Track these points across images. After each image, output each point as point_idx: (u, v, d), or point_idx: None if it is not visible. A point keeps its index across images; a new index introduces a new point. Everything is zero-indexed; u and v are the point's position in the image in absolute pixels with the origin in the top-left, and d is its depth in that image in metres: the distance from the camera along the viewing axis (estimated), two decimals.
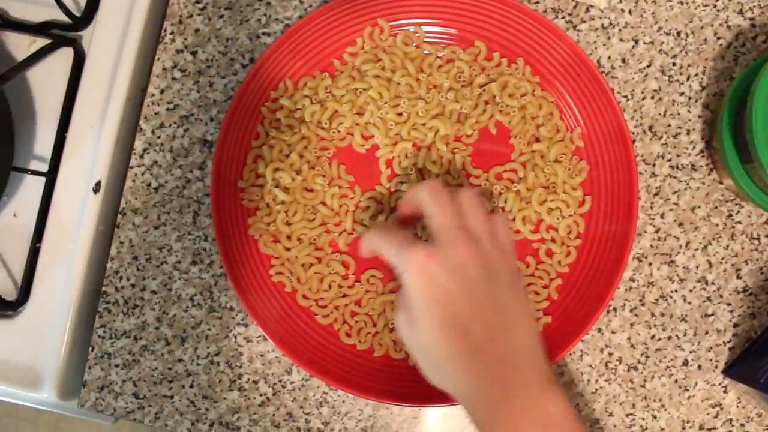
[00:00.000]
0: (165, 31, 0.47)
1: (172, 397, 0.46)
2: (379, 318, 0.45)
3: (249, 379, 0.46)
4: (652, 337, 0.47)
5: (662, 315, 0.47)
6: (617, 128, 0.44)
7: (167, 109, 0.47)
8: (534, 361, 0.36)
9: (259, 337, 0.46)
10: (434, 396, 0.39)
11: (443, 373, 0.36)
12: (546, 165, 0.45)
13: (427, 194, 0.37)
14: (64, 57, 0.48)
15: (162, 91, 0.47)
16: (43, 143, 0.48)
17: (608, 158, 0.45)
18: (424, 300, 0.34)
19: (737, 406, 0.47)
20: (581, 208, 0.45)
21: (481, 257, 0.35)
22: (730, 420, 0.46)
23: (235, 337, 0.46)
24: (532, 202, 0.45)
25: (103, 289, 0.47)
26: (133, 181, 0.47)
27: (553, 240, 0.45)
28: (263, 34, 0.47)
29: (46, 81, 0.48)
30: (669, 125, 0.47)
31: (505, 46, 0.46)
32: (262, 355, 0.46)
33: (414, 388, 0.43)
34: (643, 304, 0.47)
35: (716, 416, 0.47)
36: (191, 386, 0.46)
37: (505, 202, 0.45)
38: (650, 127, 0.47)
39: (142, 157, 0.47)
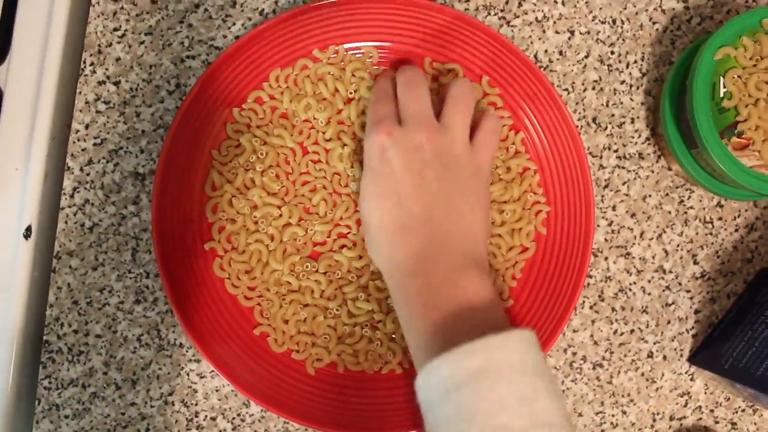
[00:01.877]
0: (84, 62, 0.45)
1: None
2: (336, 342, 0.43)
3: (206, 416, 0.45)
4: (615, 332, 0.46)
5: (623, 309, 0.46)
6: (563, 123, 0.43)
7: (94, 144, 0.45)
8: (467, 247, 0.36)
9: (213, 372, 0.44)
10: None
11: (376, 245, 0.38)
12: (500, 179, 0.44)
13: (402, 83, 0.40)
14: None
15: (87, 126, 0.45)
16: None
17: (557, 156, 0.44)
18: (371, 171, 0.37)
19: (705, 393, 0.46)
20: (538, 215, 0.44)
21: (441, 146, 0.37)
22: (700, 407, 0.46)
23: (188, 374, 0.45)
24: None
25: (45, 337, 0.44)
26: (66, 222, 0.45)
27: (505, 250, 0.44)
28: (188, 57, 0.45)
29: None
30: (613, 115, 0.46)
31: (439, 52, 0.44)
32: (217, 390, 0.45)
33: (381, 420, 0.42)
34: (602, 300, 0.46)
35: (685, 405, 0.46)
36: (147, 430, 0.44)
37: None
38: (594, 119, 0.46)
39: (72, 196, 0.45)
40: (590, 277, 0.46)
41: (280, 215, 0.43)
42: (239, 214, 0.43)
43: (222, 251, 0.43)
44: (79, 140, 0.45)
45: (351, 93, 0.43)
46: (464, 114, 0.39)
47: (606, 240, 0.46)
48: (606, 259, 0.46)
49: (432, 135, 0.37)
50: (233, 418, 0.45)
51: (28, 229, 0.44)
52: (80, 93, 0.45)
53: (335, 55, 0.43)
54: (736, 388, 0.42)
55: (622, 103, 0.47)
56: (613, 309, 0.46)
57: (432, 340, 0.33)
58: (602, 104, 0.46)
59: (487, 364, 0.30)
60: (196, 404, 0.45)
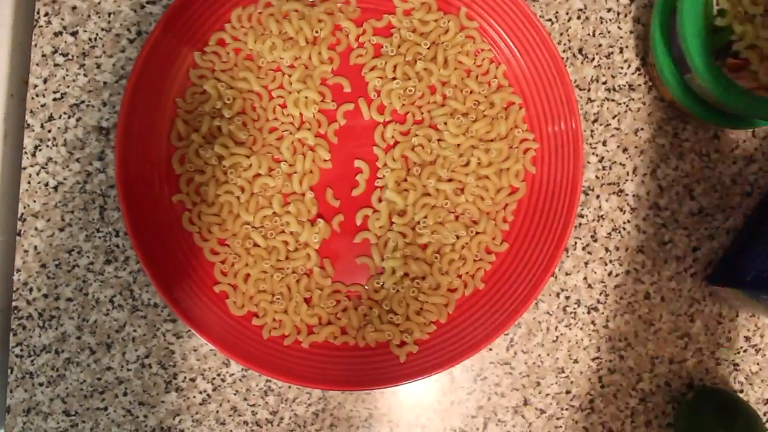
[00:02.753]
0: (38, 12, 0.43)
1: (106, 408, 0.43)
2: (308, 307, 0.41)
3: (185, 378, 0.43)
4: (609, 273, 0.44)
5: (617, 249, 0.44)
6: (547, 55, 0.40)
7: (54, 100, 0.43)
8: None
9: (190, 331, 0.43)
10: (379, 380, 0.37)
11: None
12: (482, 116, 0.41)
13: None
14: None
15: (45, 81, 0.43)
16: None
17: (543, 90, 0.41)
18: None
19: (705, 335, 0.44)
20: (526, 153, 0.42)
21: None
22: (700, 349, 0.44)
23: (164, 335, 0.43)
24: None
25: (14, 304, 0.43)
26: (29, 182, 0.43)
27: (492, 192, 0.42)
28: (148, 2, 0.43)
29: None
30: (600, 45, 0.44)
31: None
32: (195, 350, 0.43)
33: (354, 373, 0.40)
34: (595, 240, 0.44)
35: (685, 347, 0.44)
36: (125, 394, 0.43)
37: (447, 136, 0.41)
38: (580, 50, 0.44)
39: (34, 155, 0.43)
40: (582, 216, 0.44)
41: (250, 165, 0.41)
42: (207, 164, 0.41)
43: (191, 204, 0.41)
44: (37, 96, 0.43)
45: (317, 32, 0.41)
46: None
47: (597, 177, 0.44)
48: (598, 197, 0.44)
49: None
50: (213, 378, 0.43)
51: None
52: (36, 46, 0.43)
53: None
54: (761, 302, 0.39)
55: (609, 32, 0.44)
56: (607, 249, 0.44)
57: None
58: (588, 34, 0.44)
59: None
60: (174, 366, 0.43)
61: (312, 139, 0.41)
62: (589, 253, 0.44)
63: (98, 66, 0.43)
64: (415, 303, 0.41)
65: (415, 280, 0.41)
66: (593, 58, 0.44)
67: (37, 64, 0.43)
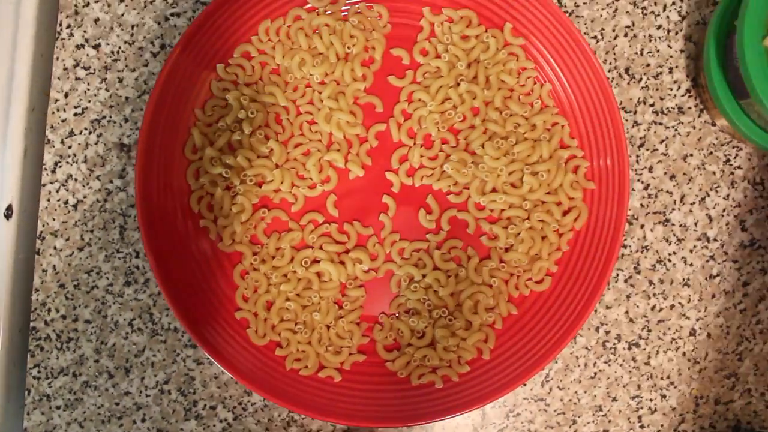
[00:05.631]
0: (61, 24, 0.41)
1: None
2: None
3: (205, 405, 0.41)
4: (653, 307, 0.41)
5: (661, 282, 0.41)
6: (592, 75, 0.38)
7: (75, 115, 0.41)
8: None
9: (210, 358, 0.41)
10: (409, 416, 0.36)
11: None
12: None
13: None
14: None
15: (66, 95, 0.41)
16: None
17: (586, 111, 0.39)
18: None
19: (755, 375, 0.41)
20: (577, 171, 0.39)
21: None
22: (749, 390, 0.41)
23: (184, 361, 0.41)
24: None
25: (32, 324, 0.41)
26: (48, 200, 0.41)
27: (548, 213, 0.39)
28: (172, 15, 0.41)
29: None
30: (648, 65, 0.41)
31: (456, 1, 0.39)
32: (216, 377, 0.41)
33: (383, 409, 0.38)
34: (638, 272, 0.41)
35: (732, 388, 0.41)
36: (143, 420, 0.41)
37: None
38: (627, 70, 0.41)
39: (54, 171, 0.42)
40: (625, 247, 0.41)
41: (271, 180, 0.39)
42: (223, 179, 0.39)
43: (213, 224, 0.39)
44: (58, 110, 0.41)
45: (348, 49, 0.39)
46: None
47: (642, 205, 0.41)
48: (642, 226, 0.41)
49: None
50: (234, 407, 0.41)
51: (9, 208, 0.41)
52: (57, 59, 0.41)
53: (332, 5, 0.39)
54: None
55: (658, 51, 0.41)
56: (651, 282, 0.41)
57: None
58: (636, 53, 0.41)
59: None
60: (194, 392, 0.41)
61: (341, 161, 0.39)
62: (632, 285, 0.41)
63: (120, 80, 0.41)
64: (452, 338, 0.39)
65: (449, 316, 0.39)
66: (641, 79, 0.41)
67: (59, 78, 0.41)
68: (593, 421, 0.41)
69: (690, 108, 0.41)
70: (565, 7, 0.41)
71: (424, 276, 0.39)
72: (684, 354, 0.41)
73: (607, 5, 0.41)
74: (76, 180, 0.41)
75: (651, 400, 0.41)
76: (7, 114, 0.41)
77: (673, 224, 0.41)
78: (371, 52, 0.39)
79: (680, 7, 0.41)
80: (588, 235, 0.39)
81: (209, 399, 0.41)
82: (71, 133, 0.41)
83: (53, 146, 0.42)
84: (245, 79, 0.39)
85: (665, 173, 0.41)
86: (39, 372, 0.41)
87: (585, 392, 0.41)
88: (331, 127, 0.39)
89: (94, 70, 0.41)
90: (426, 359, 0.39)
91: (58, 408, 0.41)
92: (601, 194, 0.39)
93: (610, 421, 0.41)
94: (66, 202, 0.41)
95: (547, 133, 0.39)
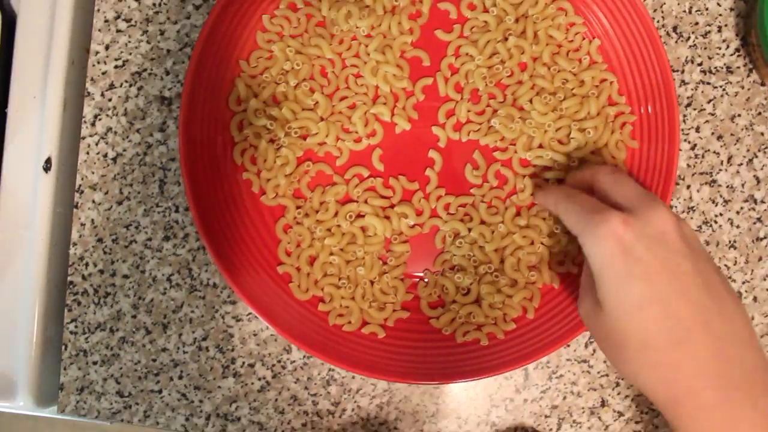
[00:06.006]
0: None
1: (160, 391, 0.41)
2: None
3: (244, 363, 0.41)
4: None
5: (707, 243, 0.41)
6: (643, 31, 0.37)
7: (116, 67, 0.41)
8: (755, 354, 0.29)
9: (250, 314, 0.41)
10: (451, 374, 0.36)
11: (639, 366, 0.30)
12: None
13: (605, 172, 0.35)
14: None
15: (107, 47, 0.41)
16: None
17: (636, 69, 0.38)
18: (618, 276, 0.30)
19: None
20: (623, 128, 0.39)
21: (682, 229, 0.31)
22: None
23: (223, 318, 0.41)
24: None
25: (69, 278, 0.41)
26: (87, 153, 0.41)
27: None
28: None
29: None
30: (696, 23, 0.41)
31: None
32: (255, 335, 0.41)
33: (425, 365, 0.37)
34: None
35: None
36: (180, 377, 0.41)
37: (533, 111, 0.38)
38: (675, 28, 0.41)
39: (93, 124, 0.41)
40: (671, 207, 0.40)
41: (316, 133, 0.38)
42: (267, 131, 0.38)
43: (256, 178, 0.39)
44: (99, 63, 0.41)
45: (396, 1, 0.38)
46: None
47: (689, 166, 0.41)
48: (688, 187, 0.41)
49: (672, 215, 0.31)
50: (273, 365, 0.41)
51: (48, 161, 0.41)
52: (98, 11, 0.41)
53: None
54: None
55: (707, 9, 0.41)
56: None
57: None
58: (684, 11, 0.41)
59: None
60: (233, 350, 0.41)
61: (387, 115, 0.38)
62: None
63: (162, 33, 0.41)
64: (498, 295, 0.38)
65: (495, 272, 0.38)
66: (689, 37, 0.41)
67: (99, 30, 0.41)
68: None
69: (739, 68, 0.41)
70: None
71: (470, 230, 0.38)
72: None
73: None
74: (115, 133, 0.41)
75: None
76: (46, 68, 0.41)
77: (719, 185, 0.41)
78: (418, 5, 0.39)
79: None
80: None
81: (248, 356, 0.41)
82: (111, 86, 0.41)
83: (93, 99, 0.41)
84: (291, 31, 0.39)
85: (712, 133, 0.41)
86: (76, 327, 0.41)
87: None
88: (378, 80, 0.38)
89: (136, 22, 0.41)
90: (471, 316, 0.38)
91: (94, 363, 0.41)
92: (650, 152, 0.38)
93: None
94: (105, 156, 0.41)
95: (595, 89, 0.39)
